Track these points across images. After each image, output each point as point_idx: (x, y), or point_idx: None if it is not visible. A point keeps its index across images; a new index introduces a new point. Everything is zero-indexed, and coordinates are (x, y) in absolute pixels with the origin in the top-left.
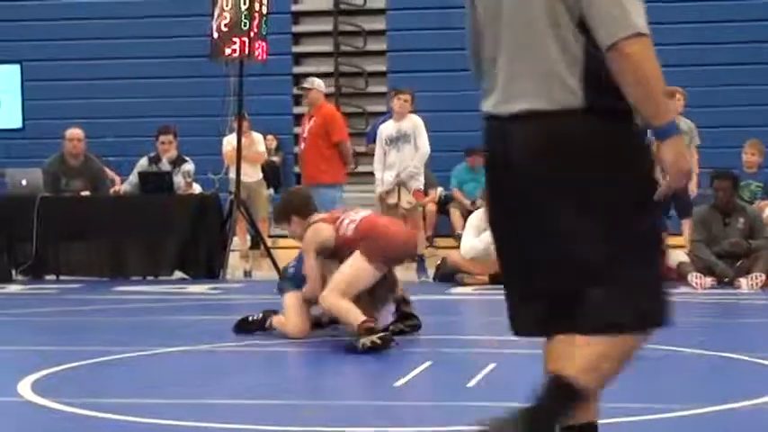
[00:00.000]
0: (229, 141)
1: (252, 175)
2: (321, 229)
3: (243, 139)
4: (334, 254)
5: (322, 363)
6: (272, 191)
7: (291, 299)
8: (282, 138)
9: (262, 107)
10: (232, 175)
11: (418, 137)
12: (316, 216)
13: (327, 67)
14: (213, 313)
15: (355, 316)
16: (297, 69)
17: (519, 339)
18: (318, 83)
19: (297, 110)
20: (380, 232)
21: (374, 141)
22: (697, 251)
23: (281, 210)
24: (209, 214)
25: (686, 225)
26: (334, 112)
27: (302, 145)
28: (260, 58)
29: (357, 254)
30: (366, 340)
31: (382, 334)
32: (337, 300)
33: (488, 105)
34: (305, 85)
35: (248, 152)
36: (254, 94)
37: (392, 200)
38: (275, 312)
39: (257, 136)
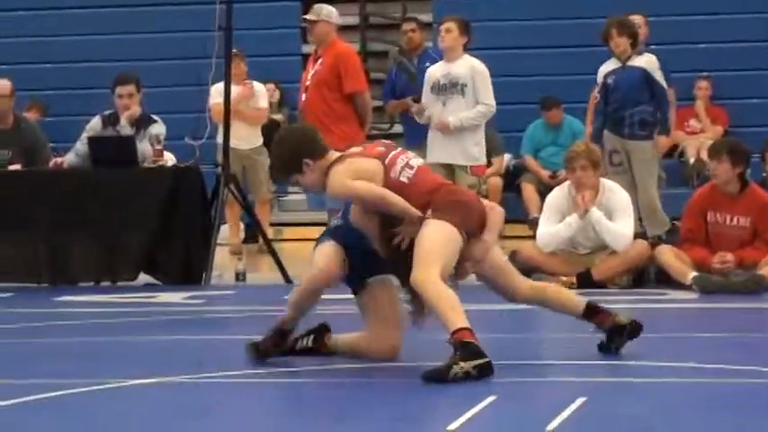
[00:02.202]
0: (219, 92)
1: (249, 139)
2: (362, 162)
3: (238, 90)
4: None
5: (344, 395)
6: None
7: (326, 247)
8: (287, 87)
9: (259, 46)
10: (220, 139)
11: (480, 89)
12: (334, 154)
13: None
14: (193, 332)
15: (455, 317)
16: None
17: (615, 365)
18: (329, 11)
19: (307, 48)
20: (448, 189)
21: (393, 96)
22: None
23: (287, 154)
24: (188, 195)
25: None
26: (348, 53)
27: (303, 96)
28: None
29: (434, 221)
30: (459, 369)
31: (481, 361)
32: (440, 283)
33: None
34: (309, 17)
35: (245, 108)
36: (248, 27)
37: None
38: (328, 330)
39: (259, 86)
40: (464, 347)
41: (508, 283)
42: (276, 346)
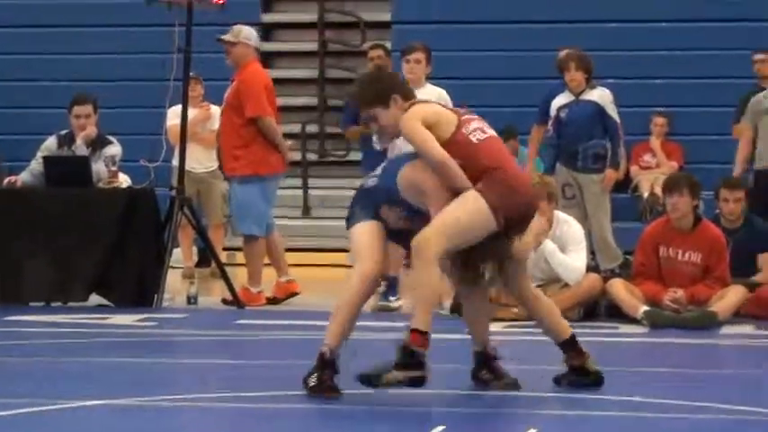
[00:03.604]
0: (177, 114)
1: (205, 162)
2: (437, 108)
3: (195, 113)
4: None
5: (288, 424)
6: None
7: (363, 231)
8: None
9: (217, 69)
10: (176, 162)
11: None
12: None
13: (309, 14)
14: (143, 354)
15: (420, 315)
16: (267, 17)
17: (565, 397)
18: (248, 33)
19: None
20: (510, 171)
21: (353, 121)
22: None
23: (383, 84)
24: (141, 217)
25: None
26: (251, 76)
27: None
28: (216, 0)
29: (474, 193)
30: (392, 377)
31: (416, 374)
32: (433, 267)
33: None
34: (226, 38)
35: (202, 131)
36: (207, 50)
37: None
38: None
39: (216, 109)
40: (407, 355)
41: (519, 278)
42: (332, 379)
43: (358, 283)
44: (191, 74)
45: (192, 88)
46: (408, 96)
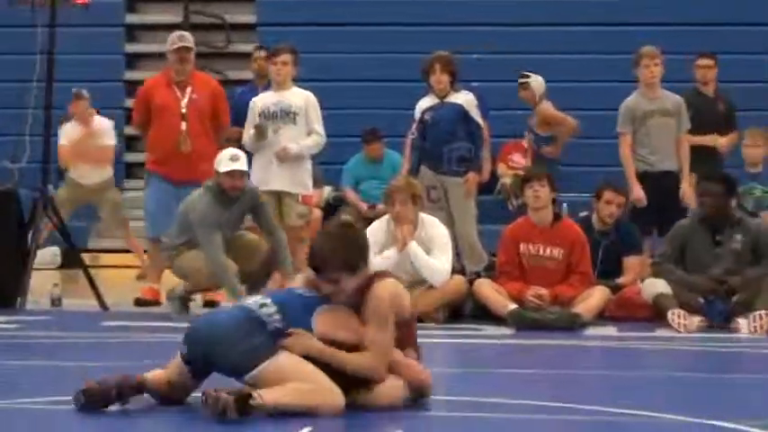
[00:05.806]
0: (68, 135)
1: (93, 177)
2: (405, 295)
3: (82, 130)
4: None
5: (164, 427)
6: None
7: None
8: (108, 113)
9: (82, 71)
10: (74, 175)
11: (312, 119)
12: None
13: (174, 15)
14: (9, 356)
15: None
16: (132, 18)
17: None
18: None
19: (130, 75)
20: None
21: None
22: (660, 271)
23: (353, 254)
24: (4, 218)
25: None
26: (221, 87)
27: (183, 125)
28: (80, 0)
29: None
30: None
31: None
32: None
33: None
34: (188, 45)
35: (89, 147)
36: (70, 52)
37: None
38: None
39: (104, 123)
40: None
41: None
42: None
43: None
44: (74, 91)
45: (75, 105)
46: (367, 262)
